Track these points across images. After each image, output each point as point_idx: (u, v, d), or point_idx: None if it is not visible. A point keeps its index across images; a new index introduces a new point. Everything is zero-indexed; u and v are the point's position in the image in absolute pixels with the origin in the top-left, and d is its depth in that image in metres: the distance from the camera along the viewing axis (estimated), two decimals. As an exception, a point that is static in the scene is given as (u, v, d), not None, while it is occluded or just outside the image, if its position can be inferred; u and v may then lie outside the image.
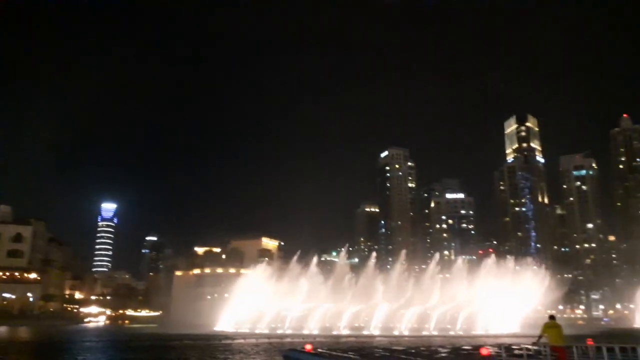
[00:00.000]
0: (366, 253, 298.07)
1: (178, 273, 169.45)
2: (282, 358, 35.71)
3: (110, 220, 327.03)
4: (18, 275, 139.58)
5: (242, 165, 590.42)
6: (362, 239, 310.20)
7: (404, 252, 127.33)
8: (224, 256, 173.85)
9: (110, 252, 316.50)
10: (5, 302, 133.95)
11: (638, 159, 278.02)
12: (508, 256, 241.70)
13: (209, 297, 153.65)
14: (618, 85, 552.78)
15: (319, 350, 35.36)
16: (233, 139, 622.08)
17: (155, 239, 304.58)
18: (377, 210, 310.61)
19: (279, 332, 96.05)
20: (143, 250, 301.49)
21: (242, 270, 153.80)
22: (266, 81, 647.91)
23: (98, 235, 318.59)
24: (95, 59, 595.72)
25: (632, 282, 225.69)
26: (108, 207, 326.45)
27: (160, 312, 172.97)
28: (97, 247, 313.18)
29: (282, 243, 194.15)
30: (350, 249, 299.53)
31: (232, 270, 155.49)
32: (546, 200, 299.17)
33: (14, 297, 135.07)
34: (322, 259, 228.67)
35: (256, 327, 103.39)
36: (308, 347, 34.81)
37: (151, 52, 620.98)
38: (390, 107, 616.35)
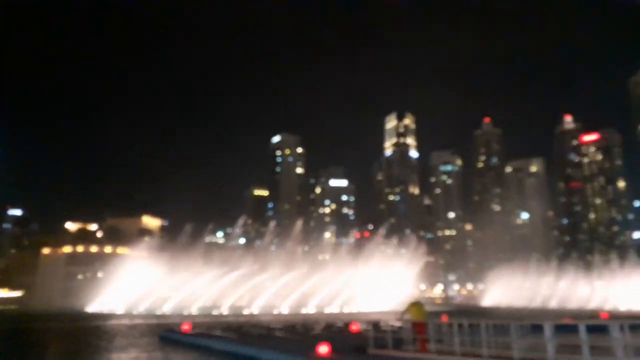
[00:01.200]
0: (253, 235, 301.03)
1: (45, 251, 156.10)
2: (158, 339, 34.95)
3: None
4: None
5: (125, 138, 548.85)
6: (249, 221, 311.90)
7: (298, 223, 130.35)
8: (99, 234, 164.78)
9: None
10: None
11: (495, 159, 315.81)
12: (382, 240, 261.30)
13: (80, 277, 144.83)
14: (483, 89, 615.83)
15: (197, 330, 35.88)
16: (115, 107, 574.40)
17: (19, 212, 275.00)
18: (266, 193, 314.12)
19: (157, 313, 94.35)
20: (4, 225, 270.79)
21: (120, 250, 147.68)
22: (161, 54, 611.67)
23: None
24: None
25: (483, 266, 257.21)
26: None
27: (23, 292, 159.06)
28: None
29: (165, 222, 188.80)
30: (237, 230, 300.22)
31: (108, 249, 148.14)
32: (417, 191, 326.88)
33: None
34: (208, 239, 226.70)
35: (133, 308, 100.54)
36: (185, 327, 35.44)
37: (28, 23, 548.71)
38: (283, 93, 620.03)
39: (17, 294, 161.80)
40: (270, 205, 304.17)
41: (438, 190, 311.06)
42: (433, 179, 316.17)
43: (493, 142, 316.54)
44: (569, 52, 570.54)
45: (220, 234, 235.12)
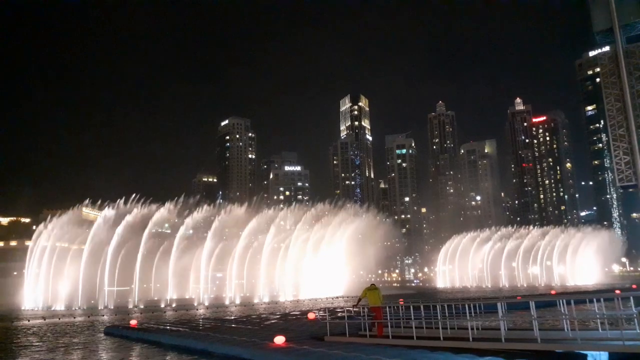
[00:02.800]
0: (201, 224, 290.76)
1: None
2: (103, 335, 33.17)
3: None
4: None
5: (64, 126, 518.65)
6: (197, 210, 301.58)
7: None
8: (34, 227, 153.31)
9: None
10: None
11: (448, 142, 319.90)
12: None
13: (15, 273, 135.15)
14: (436, 73, 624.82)
15: (145, 324, 34.33)
16: (55, 92, 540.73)
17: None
18: (215, 180, 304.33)
19: (101, 308, 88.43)
20: None
21: (58, 243, 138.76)
22: (105, 38, 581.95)
23: None
24: None
25: (438, 248, 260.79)
26: None
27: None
28: None
29: (107, 214, 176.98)
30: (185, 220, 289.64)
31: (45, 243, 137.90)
32: (372, 175, 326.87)
33: None
34: (155, 230, 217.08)
35: (74, 304, 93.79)
36: (133, 322, 34.49)
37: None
38: (232, 76, 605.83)
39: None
40: (219, 192, 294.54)
41: (393, 174, 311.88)
42: (388, 163, 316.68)
43: (447, 125, 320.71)
44: (520, 36, 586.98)
45: (166, 225, 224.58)
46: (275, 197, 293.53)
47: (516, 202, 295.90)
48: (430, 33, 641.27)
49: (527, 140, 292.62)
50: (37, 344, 30.45)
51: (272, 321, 34.59)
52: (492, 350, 16.39)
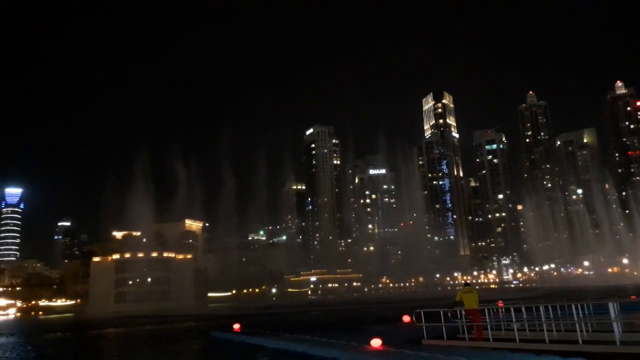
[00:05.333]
0: (294, 230, 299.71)
1: (96, 259, 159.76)
2: (210, 341, 34.47)
3: (16, 205, 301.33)
4: None
5: (156, 145, 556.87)
6: (289, 217, 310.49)
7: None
8: (144, 240, 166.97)
9: (17, 240, 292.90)
10: None
11: (542, 133, 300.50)
12: (427, 227, 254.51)
13: (130, 282, 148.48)
14: (523, 61, 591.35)
15: (248, 329, 35.61)
16: (139, 114, 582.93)
17: (68, 224, 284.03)
18: (304, 187, 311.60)
19: (207, 312, 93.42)
20: (55, 237, 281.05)
21: (165, 254, 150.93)
22: (187, 53, 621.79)
23: (2, 222, 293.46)
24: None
25: (538, 247, 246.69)
26: (12, 192, 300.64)
27: (78, 300, 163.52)
28: (2, 235, 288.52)
29: (207, 224, 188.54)
30: (278, 227, 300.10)
31: (154, 254, 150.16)
32: (461, 174, 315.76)
33: None
34: (250, 238, 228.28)
35: (184, 309, 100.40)
36: (236, 326, 35.35)
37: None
38: (314, 84, 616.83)
39: (73, 302, 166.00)
40: (308, 199, 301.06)
41: (484, 171, 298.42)
42: (478, 160, 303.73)
43: (539, 116, 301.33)
44: (613, 12, 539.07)
45: (261, 232, 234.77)
46: (362, 202, 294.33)
47: (623, 193, 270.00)
48: (511, 17, 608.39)
49: (631, 126, 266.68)
50: (148, 350, 32.35)
51: (367, 324, 35.55)
52: (606, 354, 15.67)
